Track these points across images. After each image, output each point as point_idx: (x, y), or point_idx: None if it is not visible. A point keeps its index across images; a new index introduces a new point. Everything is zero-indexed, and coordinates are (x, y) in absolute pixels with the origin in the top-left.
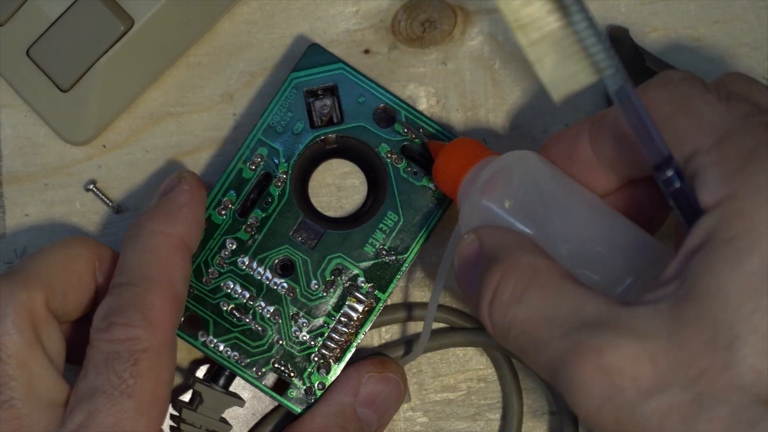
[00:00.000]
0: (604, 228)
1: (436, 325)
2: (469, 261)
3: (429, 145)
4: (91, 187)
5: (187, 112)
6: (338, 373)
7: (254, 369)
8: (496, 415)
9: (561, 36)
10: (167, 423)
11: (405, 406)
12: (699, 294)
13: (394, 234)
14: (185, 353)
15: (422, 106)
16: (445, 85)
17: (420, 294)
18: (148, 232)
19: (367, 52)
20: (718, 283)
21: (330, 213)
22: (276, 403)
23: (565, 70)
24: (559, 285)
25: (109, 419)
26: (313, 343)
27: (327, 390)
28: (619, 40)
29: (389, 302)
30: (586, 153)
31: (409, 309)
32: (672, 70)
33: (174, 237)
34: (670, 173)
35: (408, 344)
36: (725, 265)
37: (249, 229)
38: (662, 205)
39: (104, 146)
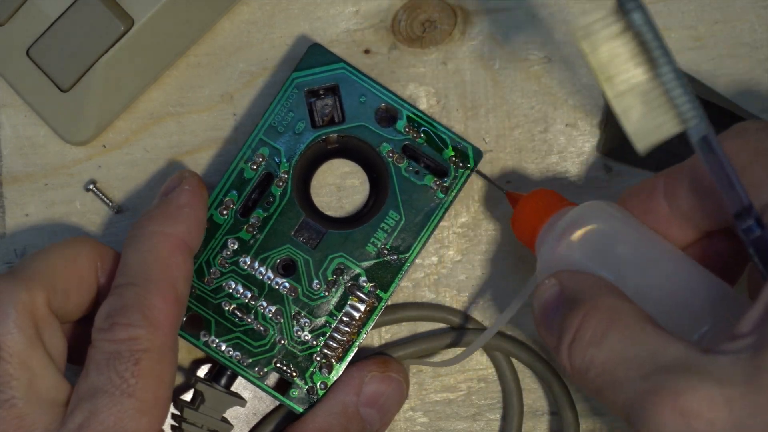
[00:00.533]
0: (681, 275)
1: (435, 325)
2: (550, 304)
3: (507, 195)
4: (91, 187)
5: (187, 112)
6: (340, 372)
7: (256, 369)
8: (496, 415)
9: (647, 87)
10: (168, 422)
11: (405, 406)
12: None
13: (395, 233)
14: (186, 353)
15: (422, 106)
16: (445, 85)
17: (421, 293)
18: (149, 232)
19: (367, 52)
20: None
21: (330, 213)
22: (277, 403)
23: (650, 121)
24: (639, 327)
25: (110, 419)
26: (315, 342)
27: (329, 389)
28: None
29: (392, 301)
30: (662, 207)
31: (410, 309)
32: (749, 120)
33: (175, 237)
34: (750, 221)
35: (409, 344)
36: None
37: (251, 229)
38: (739, 257)
39: (104, 146)
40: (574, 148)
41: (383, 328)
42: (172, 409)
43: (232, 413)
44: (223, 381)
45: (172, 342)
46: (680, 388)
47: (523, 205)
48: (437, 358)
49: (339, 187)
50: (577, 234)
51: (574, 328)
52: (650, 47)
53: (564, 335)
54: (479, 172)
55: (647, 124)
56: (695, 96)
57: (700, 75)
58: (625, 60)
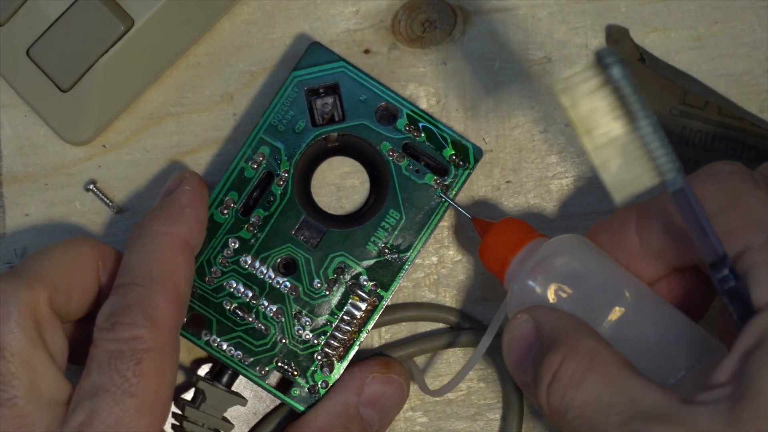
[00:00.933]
0: (655, 319)
1: (435, 326)
2: (523, 341)
3: (474, 222)
4: (91, 187)
5: (187, 112)
6: (341, 371)
7: (257, 368)
8: (496, 415)
9: (625, 140)
10: (169, 421)
11: (405, 406)
12: (755, 394)
13: (396, 232)
14: (187, 352)
15: (422, 106)
16: (445, 85)
17: (422, 293)
18: (151, 233)
19: (367, 52)
20: None
21: (331, 213)
22: (277, 403)
23: (628, 173)
24: (618, 372)
25: (111, 418)
26: (316, 341)
27: (330, 389)
28: (619, 40)
29: (392, 301)
30: (633, 242)
31: (410, 309)
32: (720, 162)
33: (177, 237)
34: (725, 272)
35: (409, 344)
36: None
37: (251, 228)
38: (707, 293)
39: (104, 146)
40: (574, 148)
41: (383, 328)
42: (174, 408)
43: (233, 413)
44: (225, 380)
45: (174, 342)
46: None
47: (493, 235)
48: (438, 359)
49: (338, 187)
50: (549, 269)
51: (553, 369)
52: (628, 101)
53: (542, 376)
54: (447, 198)
55: (625, 175)
56: (672, 148)
57: (700, 75)
58: (604, 113)
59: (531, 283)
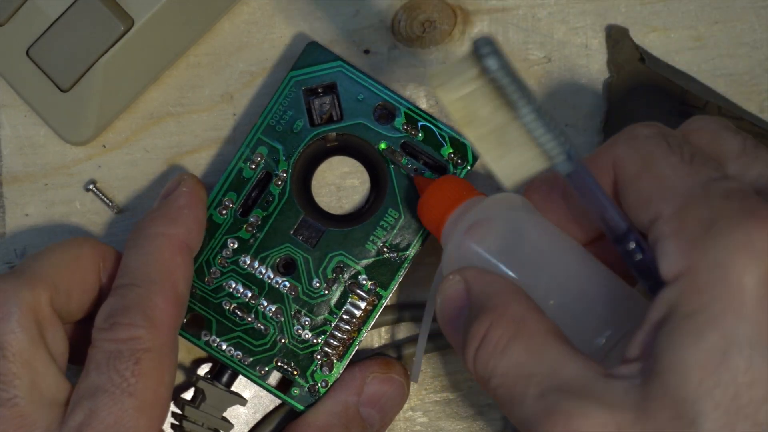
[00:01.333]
0: (586, 278)
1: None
2: (454, 303)
3: (415, 181)
4: (91, 187)
5: (187, 112)
6: (341, 370)
7: (257, 368)
8: (496, 415)
9: (509, 128)
10: (169, 420)
11: (405, 405)
12: (663, 370)
13: (395, 231)
14: (186, 353)
15: (422, 105)
16: None
17: (422, 293)
18: (150, 234)
19: (367, 52)
20: (680, 360)
21: (329, 212)
22: (277, 403)
23: (515, 160)
24: (542, 341)
25: (110, 418)
26: (315, 341)
27: (331, 389)
28: (619, 40)
29: (391, 301)
30: (560, 204)
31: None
32: (639, 124)
33: (176, 239)
34: (631, 245)
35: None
36: (685, 341)
37: (250, 229)
38: None
39: (104, 146)
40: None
41: (383, 328)
42: (173, 408)
43: (233, 413)
44: (224, 379)
45: (172, 342)
46: (573, 411)
47: (431, 192)
48: (439, 360)
49: (337, 187)
50: (484, 229)
51: (480, 336)
52: (507, 91)
53: (470, 342)
54: (389, 157)
55: (512, 162)
56: (560, 131)
57: (700, 75)
58: (484, 103)
59: (466, 242)
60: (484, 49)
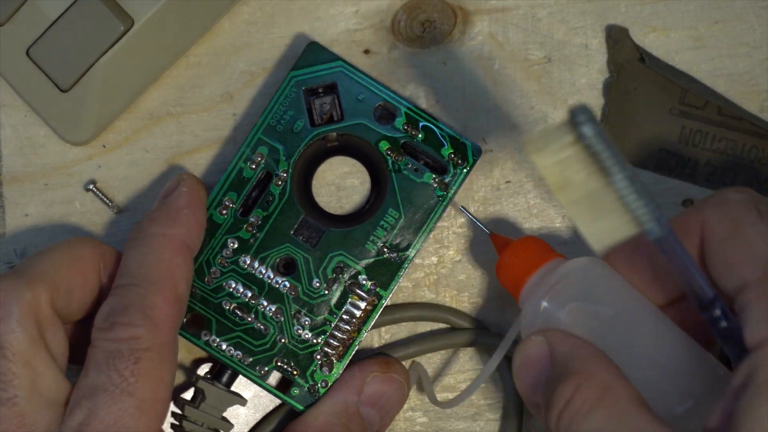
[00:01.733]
0: (669, 346)
1: (436, 326)
2: (536, 363)
3: (492, 238)
4: (91, 187)
5: (187, 112)
6: (341, 371)
7: (257, 368)
8: (496, 415)
9: (601, 193)
10: (169, 420)
11: (405, 405)
12: None
13: (395, 231)
14: (186, 352)
15: (422, 106)
16: (445, 85)
17: (421, 293)
18: (150, 234)
19: (367, 52)
20: (758, 426)
21: (330, 212)
22: (277, 403)
23: (607, 225)
24: (626, 407)
25: (110, 417)
26: (315, 341)
27: (331, 388)
28: (619, 40)
29: (391, 301)
30: (642, 267)
31: (411, 309)
32: (732, 189)
33: (175, 239)
34: (717, 313)
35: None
36: (763, 408)
37: (250, 228)
38: None
39: (104, 146)
40: None
41: (383, 328)
42: (173, 408)
43: (233, 413)
44: (224, 379)
45: (172, 342)
46: None
47: (511, 252)
48: (440, 360)
49: (337, 187)
50: (565, 292)
51: (566, 398)
52: (601, 158)
53: (555, 403)
54: (465, 211)
55: (603, 227)
56: (650, 198)
57: (700, 75)
58: (579, 170)
59: (546, 304)
60: (580, 116)
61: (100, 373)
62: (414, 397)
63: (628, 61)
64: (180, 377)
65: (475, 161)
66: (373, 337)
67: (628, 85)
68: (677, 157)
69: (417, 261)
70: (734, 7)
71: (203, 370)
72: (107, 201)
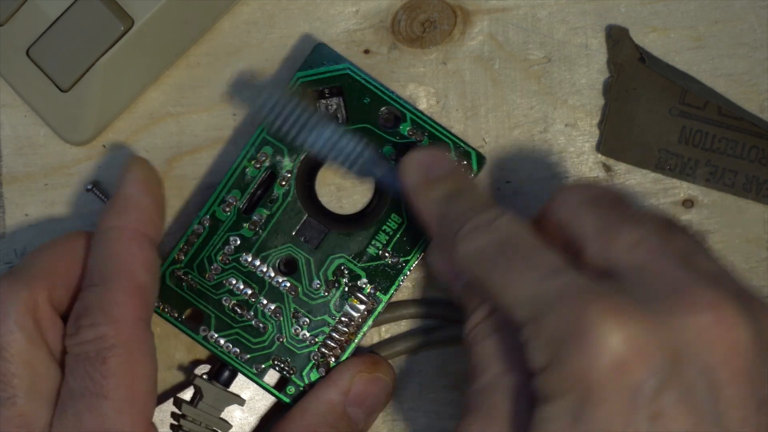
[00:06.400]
0: None
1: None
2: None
3: None
4: (91, 187)
5: (187, 112)
6: None
7: (254, 365)
8: None
9: None
10: (168, 420)
11: (405, 405)
12: None
13: (397, 236)
14: (186, 352)
15: (422, 106)
16: (445, 85)
17: (421, 293)
18: (102, 230)
19: (367, 52)
20: None
21: (333, 214)
22: (275, 404)
23: None
24: None
25: (92, 423)
26: (313, 341)
27: (317, 387)
28: (619, 40)
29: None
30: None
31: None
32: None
33: (126, 229)
34: None
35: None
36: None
37: (253, 227)
38: None
39: (104, 146)
40: (574, 148)
41: (383, 327)
42: (172, 408)
43: (228, 416)
44: (222, 379)
45: (141, 335)
46: None
47: None
48: (440, 358)
49: (338, 187)
50: None
51: None
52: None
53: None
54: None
55: None
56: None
57: (700, 75)
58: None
59: None
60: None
61: (75, 379)
62: (415, 398)
63: (628, 61)
64: (179, 377)
65: (480, 169)
66: (372, 336)
67: (628, 85)
68: (677, 157)
69: (419, 264)
70: (734, 7)
71: (202, 370)
72: (107, 201)
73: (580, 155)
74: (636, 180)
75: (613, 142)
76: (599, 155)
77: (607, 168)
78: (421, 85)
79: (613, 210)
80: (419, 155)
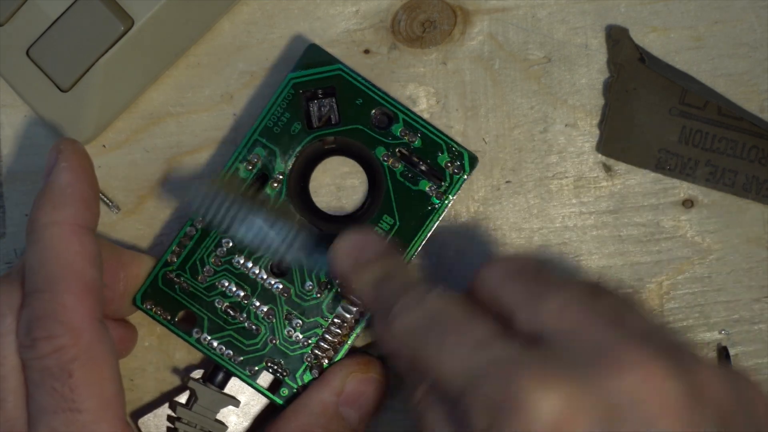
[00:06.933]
0: None
1: None
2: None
3: None
4: None
5: (187, 112)
6: None
7: (247, 367)
8: None
9: None
10: (165, 423)
11: (406, 405)
12: None
13: (389, 237)
14: (186, 353)
15: (422, 106)
16: (445, 85)
17: None
18: (39, 227)
19: (367, 52)
20: None
21: (330, 213)
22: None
23: None
24: None
25: None
26: (306, 343)
27: (310, 388)
28: (619, 40)
29: None
30: None
31: None
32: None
33: (66, 224)
34: None
35: None
36: None
37: None
38: None
39: (104, 146)
40: (573, 148)
41: None
42: (168, 411)
43: (226, 419)
44: (217, 381)
45: (99, 336)
46: None
47: None
48: None
49: (337, 187)
50: None
51: None
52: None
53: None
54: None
55: None
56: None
57: (700, 75)
58: None
59: None
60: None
61: (43, 395)
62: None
63: (628, 61)
64: (175, 380)
65: (472, 170)
66: (367, 336)
67: (628, 85)
68: (677, 157)
69: (415, 261)
70: (734, 7)
71: (197, 374)
72: (107, 201)
73: (580, 155)
74: (636, 180)
75: (613, 142)
76: (599, 155)
77: (607, 168)
78: (421, 85)
79: (537, 278)
80: (346, 243)
